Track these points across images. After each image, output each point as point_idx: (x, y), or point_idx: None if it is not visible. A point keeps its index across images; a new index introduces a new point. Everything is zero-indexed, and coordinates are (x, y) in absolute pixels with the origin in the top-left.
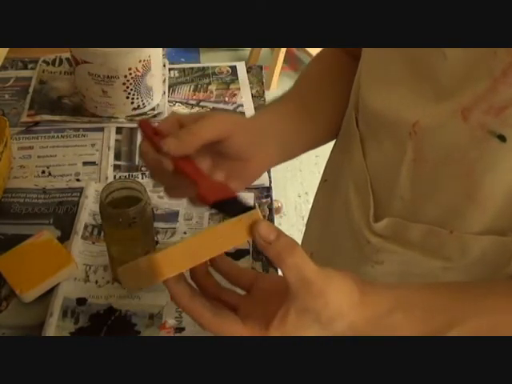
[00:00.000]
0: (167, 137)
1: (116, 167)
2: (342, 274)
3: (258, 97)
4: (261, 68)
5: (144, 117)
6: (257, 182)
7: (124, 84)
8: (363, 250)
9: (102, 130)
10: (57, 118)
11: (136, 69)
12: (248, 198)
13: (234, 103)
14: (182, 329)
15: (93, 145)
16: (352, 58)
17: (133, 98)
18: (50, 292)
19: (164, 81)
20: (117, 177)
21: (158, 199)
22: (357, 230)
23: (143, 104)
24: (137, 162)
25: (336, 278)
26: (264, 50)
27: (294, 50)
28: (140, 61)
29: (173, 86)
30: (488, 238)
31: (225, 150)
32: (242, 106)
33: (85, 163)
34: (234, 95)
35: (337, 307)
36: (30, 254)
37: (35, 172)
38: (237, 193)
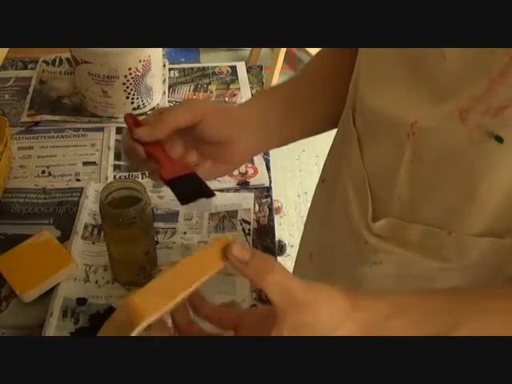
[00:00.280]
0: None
1: (116, 167)
2: (327, 285)
3: None
4: (261, 68)
5: (143, 117)
6: (257, 182)
7: (124, 84)
8: (361, 250)
9: (101, 129)
10: (57, 117)
11: (136, 69)
12: (248, 198)
13: (234, 103)
14: None
15: (93, 145)
16: (356, 52)
17: (133, 98)
18: (50, 292)
19: (164, 81)
20: (117, 177)
21: (158, 199)
22: (355, 230)
23: (143, 104)
24: None
25: (323, 287)
26: (264, 50)
27: (294, 49)
28: (140, 61)
29: (173, 86)
30: (486, 240)
31: (199, 133)
32: None
33: (85, 163)
34: (234, 95)
35: (332, 315)
36: (30, 253)
37: (35, 172)
38: (196, 173)
